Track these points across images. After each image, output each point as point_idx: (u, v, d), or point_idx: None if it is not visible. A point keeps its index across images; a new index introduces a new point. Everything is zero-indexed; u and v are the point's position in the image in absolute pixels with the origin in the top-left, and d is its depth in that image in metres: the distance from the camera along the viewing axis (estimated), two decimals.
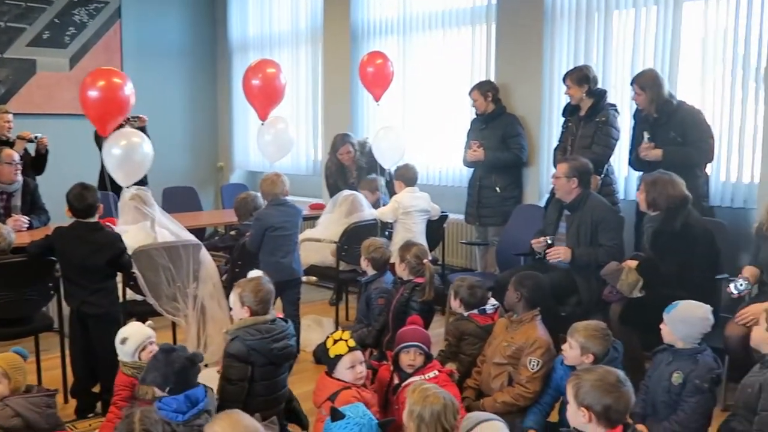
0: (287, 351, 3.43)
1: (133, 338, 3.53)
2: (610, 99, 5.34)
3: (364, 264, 4.81)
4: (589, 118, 5.21)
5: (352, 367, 3.33)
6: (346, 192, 6.05)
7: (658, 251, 4.20)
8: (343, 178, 6.67)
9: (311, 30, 8.35)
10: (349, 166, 6.68)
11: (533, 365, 3.58)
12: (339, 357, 3.35)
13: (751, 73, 4.91)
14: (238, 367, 3.31)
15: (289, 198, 5.10)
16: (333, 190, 6.57)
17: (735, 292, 3.89)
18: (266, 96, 5.74)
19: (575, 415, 2.60)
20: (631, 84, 4.95)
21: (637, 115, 5.05)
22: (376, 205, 6.04)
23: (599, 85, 5.34)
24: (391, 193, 6.08)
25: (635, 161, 5.02)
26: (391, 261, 4.83)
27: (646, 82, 4.84)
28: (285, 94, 5.87)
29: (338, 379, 3.33)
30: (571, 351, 3.35)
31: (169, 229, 4.75)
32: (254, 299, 3.43)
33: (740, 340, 3.70)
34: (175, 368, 2.90)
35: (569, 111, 5.40)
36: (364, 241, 4.93)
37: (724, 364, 3.92)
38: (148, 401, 3.17)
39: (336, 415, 2.78)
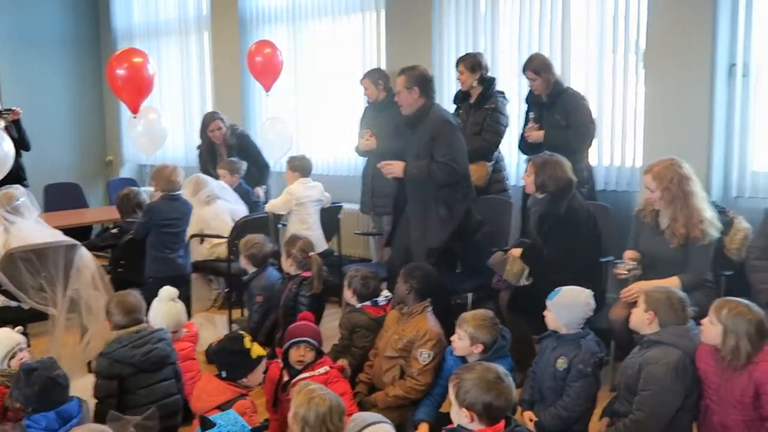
0: (153, 355, 3.28)
1: (1, 345, 3.35)
2: (499, 86, 5.37)
3: (244, 263, 4.70)
4: (478, 105, 5.22)
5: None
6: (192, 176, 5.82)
7: (543, 235, 4.24)
8: (213, 161, 6.46)
9: (198, 18, 8.10)
10: (219, 146, 6.46)
11: (424, 357, 3.55)
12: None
13: (632, 58, 5.03)
14: (102, 384, 3.22)
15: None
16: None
17: (624, 272, 3.96)
18: (134, 87, 5.50)
19: (458, 415, 2.59)
20: (524, 71, 4.97)
21: (530, 99, 5.09)
22: (239, 190, 5.93)
23: (489, 73, 5.37)
24: None
25: (522, 143, 5.07)
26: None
27: (539, 67, 4.88)
28: (165, 85, 5.65)
29: (236, 385, 3.20)
30: (461, 342, 3.34)
31: (38, 233, 4.49)
32: (119, 313, 3.36)
33: (624, 322, 3.77)
34: (35, 389, 2.77)
35: (460, 98, 5.40)
36: (242, 239, 4.80)
37: (610, 346, 4.02)
38: (18, 410, 2.98)
39: (206, 425, 2.67)
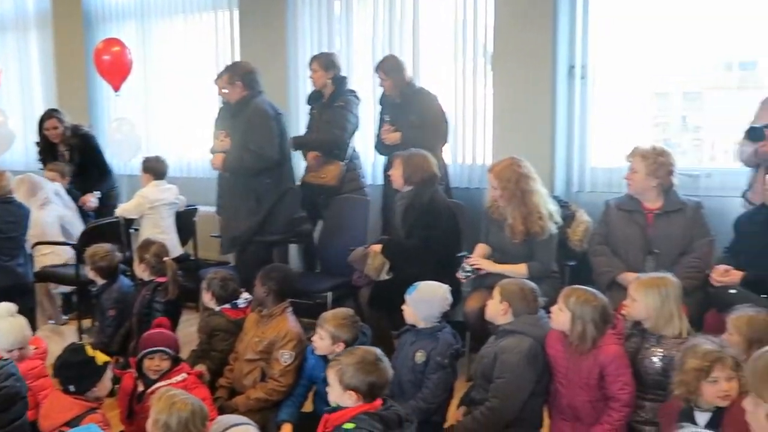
0: (1, 395, 2.93)
1: None
2: (355, 87, 5.43)
3: (91, 275, 4.49)
4: (329, 103, 5.25)
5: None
6: (18, 177, 5.44)
7: (407, 226, 4.34)
8: (53, 161, 6.11)
9: (39, 13, 7.65)
10: (59, 145, 6.14)
11: (286, 359, 3.53)
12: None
13: (480, 59, 5.23)
14: None
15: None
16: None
17: (462, 276, 4.11)
18: None
19: (341, 397, 2.65)
20: (376, 70, 5.05)
21: (383, 100, 5.17)
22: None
23: (343, 72, 5.41)
24: None
25: (379, 145, 5.14)
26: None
27: (390, 68, 4.97)
28: (4, 85, 5.29)
29: (84, 399, 3.03)
30: (322, 341, 3.34)
31: None
32: None
33: (478, 314, 3.91)
34: None
35: (313, 98, 5.41)
36: (88, 249, 4.56)
37: (465, 338, 4.16)
38: None
39: None
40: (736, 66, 4.84)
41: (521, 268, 3.97)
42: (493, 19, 5.05)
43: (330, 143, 5.06)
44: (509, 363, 3.10)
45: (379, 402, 2.63)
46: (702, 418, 2.57)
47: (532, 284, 3.30)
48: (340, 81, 5.27)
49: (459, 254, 4.46)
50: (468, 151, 5.34)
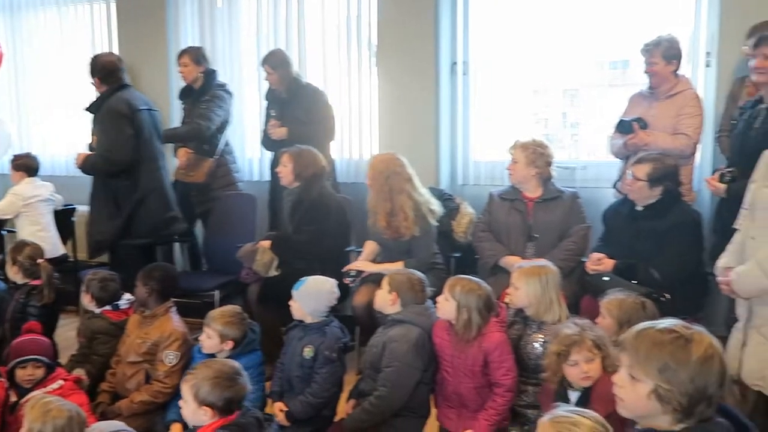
0: None
1: None
2: (239, 80, 5.35)
3: None
4: (199, 97, 5.17)
5: None
6: None
7: (295, 221, 4.32)
8: None
9: None
10: None
11: (171, 359, 3.46)
12: None
13: (365, 55, 5.26)
14: None
15: None
16: None
17: (349, 281, 4.15)
18: None
19: (195, 414, 2.55)
20: (262, 65, 4.99)
21: (269, 95, 5.11)
22: None
23: (224, 66, 5.34)
24: None
25: (266, 140, 5.08)
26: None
27: (276, 62, 4.92)
28: None
29: None
30: (210, 340, 3.28)
31: None
32: None
33: (366, 308, 3.95)
34: None
35: (185, 93, 5.32)
36: None
37: (354, 332, 4.19)
38: None
39: None
40: (607, 65, 5.07)
41: (398, 266, 4.01)
42: (377, 14, 5.08)
43: (195, 135, 4.98)
44: (397, 352, 3.13)
45: (235, 414, 2.57)
46: (574, 396, 2.69)
47: (420, 275, 3.35)
48: (209, 75, 5.20)
49: (348, 249, 4.50)
50: (354, 146, 5.37)
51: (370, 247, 4.30)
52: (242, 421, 2.54)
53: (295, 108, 4.90)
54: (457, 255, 4.41)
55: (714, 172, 3.71)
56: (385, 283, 3.31)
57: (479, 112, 5.07)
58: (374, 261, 4.30)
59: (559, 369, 2.71)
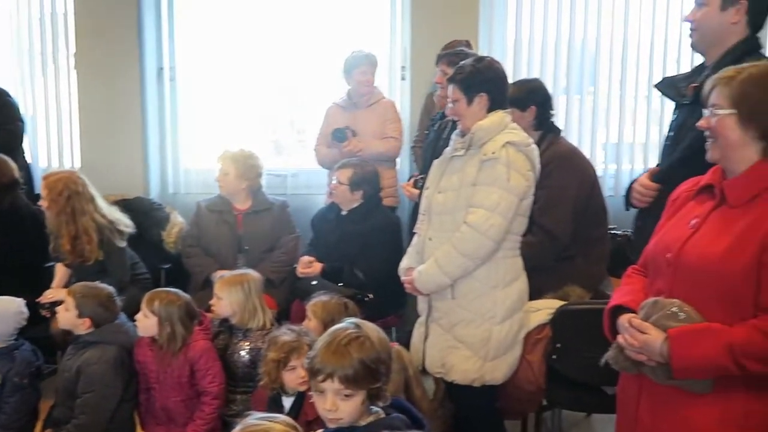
0: None
1: None
2: None
3: None
4: None
5: None
6: None
7: None
8: None
9: None
10: None
11: None
12: None
13: (63, 59, 4.92)
14: None
15: None
16: None
17: (44, 312, 3.83)
18: None
19: None
20: None
21: None
22: None
23: None
24: None
25: None
26: None
27: None
28: None
29: None
30: None
31: None
32: None
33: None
34: None
35: None
36: None
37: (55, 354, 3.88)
38: None
39: None
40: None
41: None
42: (74, 17, 4.78)
43: None
44: (95, 375, 2.97)
45: None
46: (288, 402, 2.74)
47: (109, 288, 3.19)
48: None
49: (47, 264, 4.15)
50: (54, 154, 4.99)
51: (61, 271, 4.01)
52: None
53: None
54: (167, 266, 4.28)
55: (410, 178, 3.98)
56: (69, 303, 3.09)
57: (191, 119, 4.96)
58: (67, 285, 4.00)
59: (278, 376, 2.73)
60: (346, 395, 1.79)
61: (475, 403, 2.94)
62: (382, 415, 1.85)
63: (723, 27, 2.50)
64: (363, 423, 1.83)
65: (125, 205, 4.25)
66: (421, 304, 2.99)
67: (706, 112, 1.89)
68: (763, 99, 1.78)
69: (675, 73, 3.04)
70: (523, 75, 4.50)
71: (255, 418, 2.10)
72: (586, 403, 3.24)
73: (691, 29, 2.59)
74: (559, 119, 3.54)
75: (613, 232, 3.82)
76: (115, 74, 4.70)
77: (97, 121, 4.78)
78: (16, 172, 4.06)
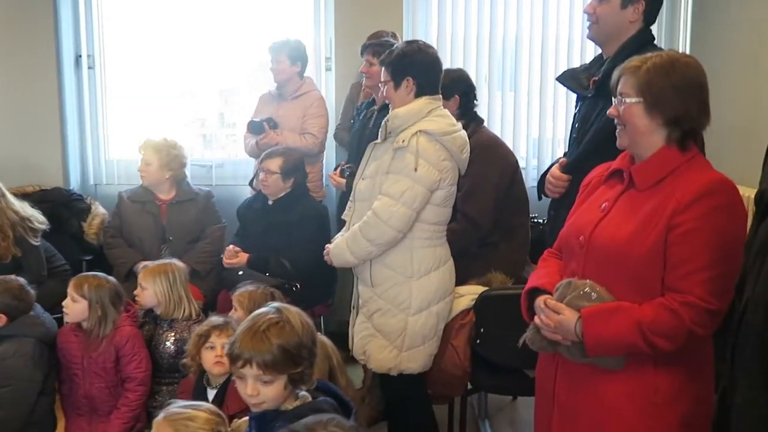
0: None
1: None
2: None
3: None
4: None
5: None
6: None
7: None
8: None
9: None
10: None
11: None
12: None
13: None
14: None
15: None
16: None
17: None
18: None
19: None
20: None
21: None
22: None
23: None
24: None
25: None
26: None
27: None
28: None
29: None
30: None
31: None
32: None
33: None
34: None
35: None
36: None
37: None
38: None
39: None
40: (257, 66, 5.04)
41: None
42: None
43: None
44: (12, 369, 2.91)
45: None
46: (211, 394, 2.73)
47: (19, 279, 3.11)
48: None
49: None
50: None
51: None
52: None
53: None
54: (88, 258, 4.19)
55: (336, 167, 4.00)
56: None
57: (112, 108, 4.84)
58: None
59: (198, 352, 2.74)
60: (266, 381, 1.79)
61: (401, 389, 2.97)
62: (309, 399, 1.87)
63: (622, 23, 2.61)
64: (290, 407, 1.84)
65: (43, 196, 4.15)
66: (355, 291, 3.02)
67: (614, 100, 1.97)
68: (666, 87, 1.86)
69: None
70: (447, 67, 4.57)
71: (178, 405, 2.10)
72: (508, 387, 3.34)
73: (590, 21, 2.69)
74: (481, 113, 3.59)
75: (535, 220, 3.95)
76: (29, 63, 4.53)
77: (12, 110, 4.60)
78: None
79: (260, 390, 1.80)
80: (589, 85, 2.67)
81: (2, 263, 3.67)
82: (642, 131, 1.90)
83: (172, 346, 3.15)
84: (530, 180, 4.37)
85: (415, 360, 2.88)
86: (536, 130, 4.93)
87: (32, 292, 3.09)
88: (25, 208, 3.81)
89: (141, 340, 3.11)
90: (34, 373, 2.94)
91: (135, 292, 3.24)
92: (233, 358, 1.82)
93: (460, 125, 2.92)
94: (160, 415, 2.05)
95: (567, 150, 2.97)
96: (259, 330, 1.80)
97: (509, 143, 4.73)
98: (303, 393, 1.88)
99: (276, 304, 1.94)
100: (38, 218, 3.84)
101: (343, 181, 3.79)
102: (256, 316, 1.86)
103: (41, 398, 2.99)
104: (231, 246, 3.87)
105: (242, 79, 5.06)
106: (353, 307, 3.01)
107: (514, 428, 3.82)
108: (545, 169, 2.95)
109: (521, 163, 3.70)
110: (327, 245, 3.05)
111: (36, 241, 3.78)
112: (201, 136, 5.21)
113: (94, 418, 3.08)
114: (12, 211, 3.72)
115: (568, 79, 2.88)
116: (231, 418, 2.28)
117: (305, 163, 4.04)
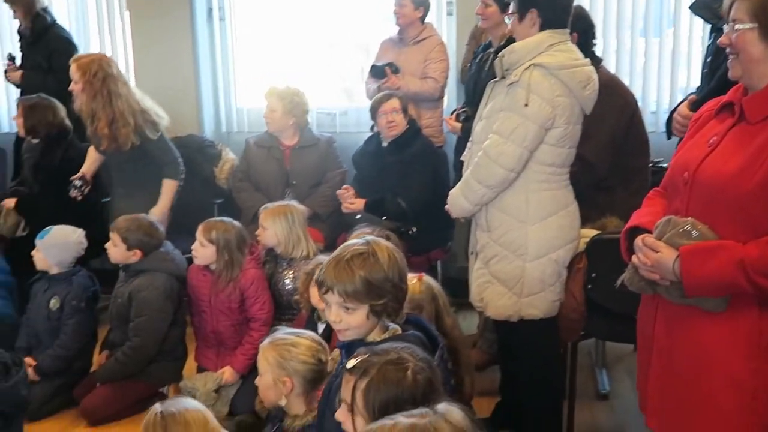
0: None
1: None
2: None
3: None
4: None
5: None
6: None
7: (39, 184, 4.08)
8: None
9: None
10: None
11: None
12: None
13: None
14: None
15: None
16: None
17: (76, 192, 3.94)
18: None
19: None
20: None
21: (21, 32, 4.64)
22: None
23: None
24: None
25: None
26: None
27: None
28: None
29: None
30: None
31: None
32: None
33: None
34: None
35: None
36: None
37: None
38: None
39: None
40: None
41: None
42: None
43: None
44: (146, 301, 3.15)
45: None
46: (320, 328, 2.82)
47: (149, 218, 3.32)
48: None
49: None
50: None
51: (92, 156, 4.03)
52: None
53: (36, 52, 4.50)
54: (219, 201, 4.42)
55: (452, 112, 3.98)
56: (114, 236, 3.23)
57: (242, 59, 5.02)
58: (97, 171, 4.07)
59: (306, 289, 2.83)
60: (348, 308, 1.84)
61: (524, 335, 2.83)
62: (399, 332, 1.91)
63: None
64: (378, 338, 1.88)
65: (177, 142, 4.38)
66: (472, 238, 2.91)
67: (725, 27, 1.84)
68: None
69: None
70: (598, 12, 4.38)
71: (284, 332, 2.21)
72: (623, 334, 3.21)
73: None
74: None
75: (659, 165, 3.76)
76: (166, 14, 4.77)
77: (150, 63, 4.87)
78: (65, 120, 4.10)
79: (343, 317, 1.85)
80: (722, 14, 2.49)
81: (121, 152, 3.75)
82: (756, 59, 1.77)
83: (291, 284, 3.29)
84: (661, 125, 4.15)
85: (536, 306, 2.74)
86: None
87: (161, 228, 3.30)
88: (145, 101, 3.86)
89: (264, 283, 3.26)
90: (165, 305, 3.17)
91: (257, 233, 3.39)
92: (319, 284, 1.89)
93: (587, 61, 2.71)
94: (267, 340, 2.17)
95: (699, 85, 2.80)
96: (343, 259, 1.84)
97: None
98: (393, 326, 1.92)
99: (369, 237, 1.97)
100: (158, 111, 3.88)
101: (459, 125, 3.75)
102: (344, 247, 1.91)
103: (172, 329, 3.22)
104: (342, 190, 3.93)
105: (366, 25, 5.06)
106: (471, 253, 2.91)
107: (632, 378, 3.72)
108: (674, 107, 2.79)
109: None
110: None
111: (154, 135, 3.80)
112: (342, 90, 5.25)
113: (221, 351, 3.29)
114: (133, 100, 3.77)
115: (700, 8, 2.70)
116: None
117: (424, 107, 4.04)
